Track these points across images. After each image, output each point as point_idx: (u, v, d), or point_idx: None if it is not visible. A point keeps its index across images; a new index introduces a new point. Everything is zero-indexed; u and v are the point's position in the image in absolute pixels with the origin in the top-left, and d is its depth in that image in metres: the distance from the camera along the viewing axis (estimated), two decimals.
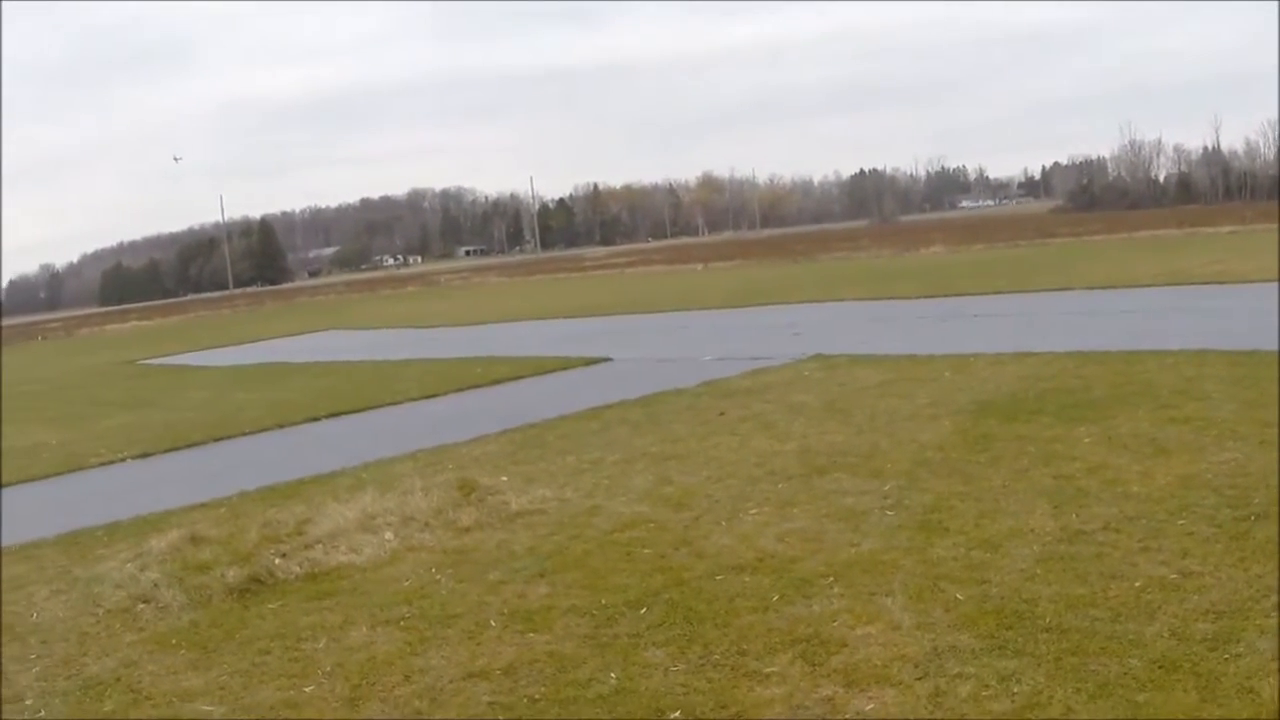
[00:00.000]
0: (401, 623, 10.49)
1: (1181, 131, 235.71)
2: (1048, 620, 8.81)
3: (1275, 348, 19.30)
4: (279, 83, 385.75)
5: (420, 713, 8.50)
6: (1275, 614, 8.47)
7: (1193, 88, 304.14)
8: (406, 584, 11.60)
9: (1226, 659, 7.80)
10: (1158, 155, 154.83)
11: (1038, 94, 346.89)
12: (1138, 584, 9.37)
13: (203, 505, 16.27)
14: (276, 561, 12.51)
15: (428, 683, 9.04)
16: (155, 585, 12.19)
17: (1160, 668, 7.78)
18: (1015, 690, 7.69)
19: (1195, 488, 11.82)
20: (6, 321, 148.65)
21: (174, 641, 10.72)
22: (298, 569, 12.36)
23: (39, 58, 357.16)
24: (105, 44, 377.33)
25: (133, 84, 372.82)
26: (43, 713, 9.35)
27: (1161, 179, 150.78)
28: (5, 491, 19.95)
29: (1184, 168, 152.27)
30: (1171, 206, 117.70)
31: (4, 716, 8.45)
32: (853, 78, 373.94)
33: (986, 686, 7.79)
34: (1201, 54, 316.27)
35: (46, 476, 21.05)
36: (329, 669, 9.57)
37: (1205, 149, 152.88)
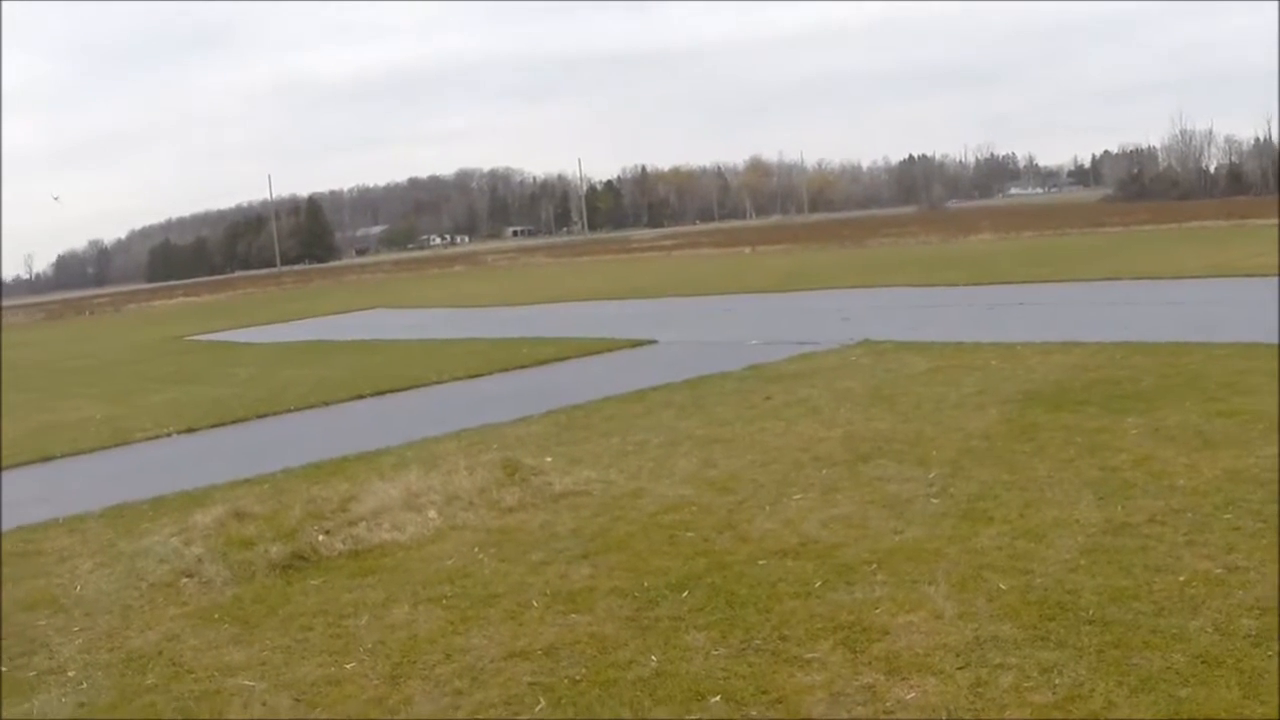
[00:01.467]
0: (444, 601, 10.51)
1: (1233, 122, 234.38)
2: (1091, 612, 8.77)
3: None
4: (331, 64, 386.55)
5: (461, 692, 8.51)
6: None
7: (1245, 78, 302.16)
8: (449, 563, 11.63)
9: (1270, 656, 7.75)
10: (1209, 145, 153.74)
11: (1089, 82, 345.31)
12: (1182, 578, 9.32)
13: (247, 481, 16.33)
14: (320, 538, 12.54)
15: (469, 662, 9.06)
16: (199, 560, 12.25)
17: (1203, 663, 7.73)
18: (1057, 682, 7.65)
19: (1242, 482, 11.74)
20: (55, 296, 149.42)
21: (216, 616, 10.77)
22: (341, 546, 12.39)
23: (92, 38, 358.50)
24: (158, 24, 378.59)
25: (185, 64, 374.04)
26: (85, 685, 9.39)
27: (1212, 169, 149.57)
28: (52, 465, 20.09)
29: (1235, 159, 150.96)
30: (1222, 198, 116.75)
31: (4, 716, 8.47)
32: (904, 64, 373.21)
33: (1028, 678, 7.76)
34: (1254, 43, 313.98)
35: (93, 450, 21.16)
36: (370, 646, 9.60)
37: (1257, 140, 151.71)
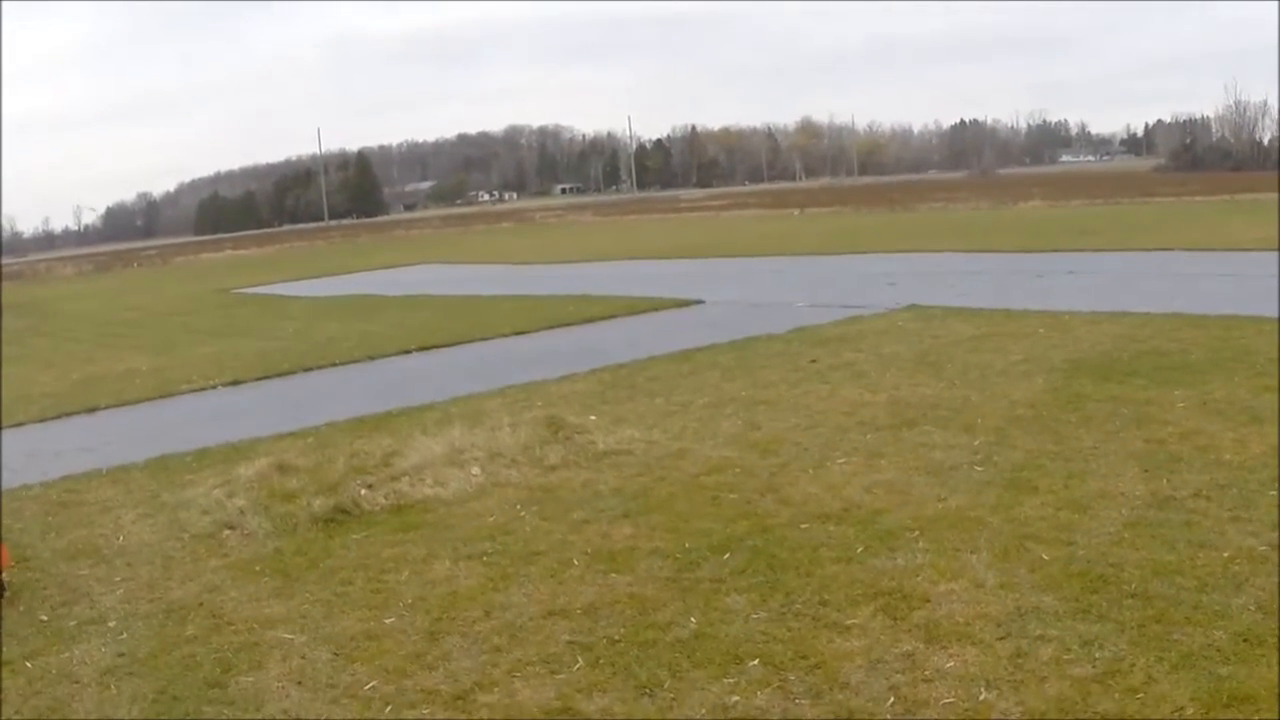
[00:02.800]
0: (484, 558, 10.54)
1: None
2: (1133, 586, 8.73)
3: None
4: (381, 20, 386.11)
5: (499, 649, 8.53)
6: None
7: None
8: (491, 519, 11.66)
9: None
10: (1263, 117, 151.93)
11: (1143, 50, 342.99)
12: (1226, 554, 9.26)
13: (291, 434, 16.40)
14: (362, 492, 12.59)
15: (508, 619, 9.08)
16: (241, 512, 12.31)
17: (1244, 641, 7.68)
18: (1097, 655, 7.62)
19: None
20: (104, 248, 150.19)
21: (257, 569, 10.82)
22: (383, 500, 12.44)
23: None
24: None
25: (236, 20, 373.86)
26: (125, 635, 9.44)
27: (1265, 141, 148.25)
28: (97, 415, 20.21)
29: None
30: (1275, 170, 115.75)
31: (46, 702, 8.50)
32: (957, 27, 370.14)
33: (1068, 650, 7.73)
34: None
35: (139, 402, 21.29)
36: (410, 601, 9.64)
37: None
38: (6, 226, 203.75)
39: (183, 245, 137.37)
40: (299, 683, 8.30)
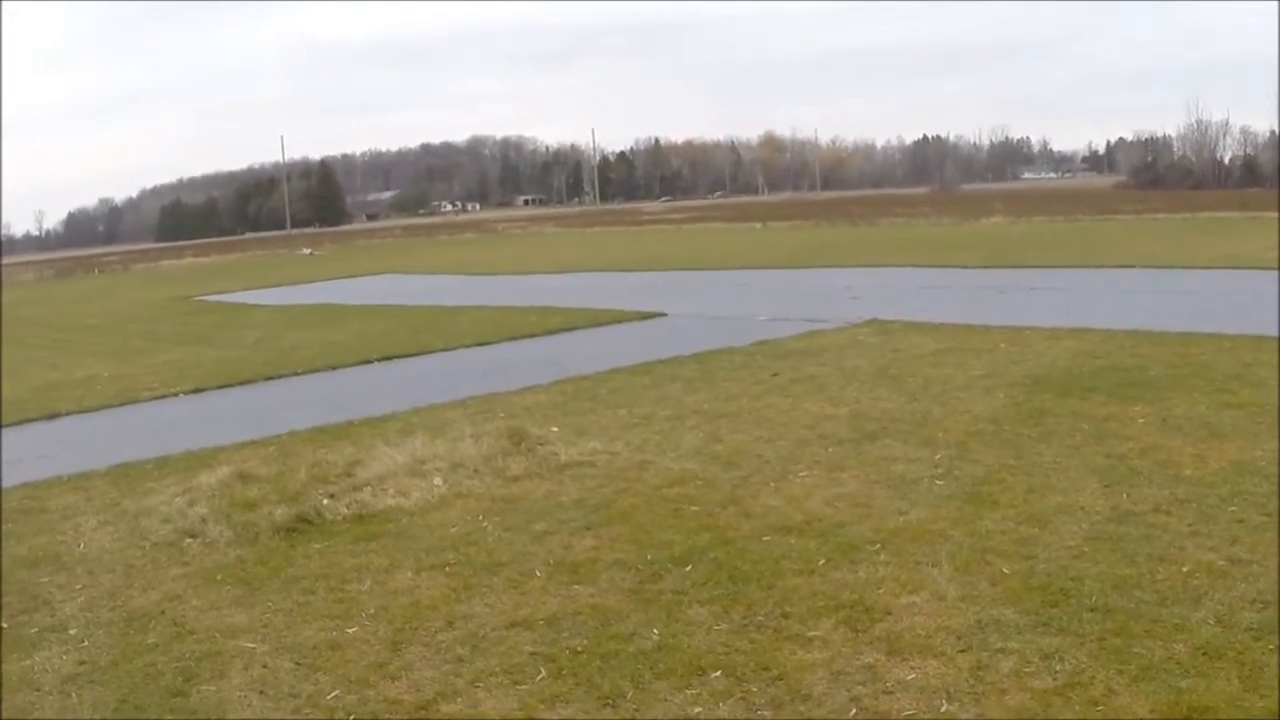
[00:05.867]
0: (447, 568, 10.54)
1: (1249, 113, 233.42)
2: (1093, 600, 8.79)
3: None
4: (346, 27, 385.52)
5: (462, 659, 8.53)
6: None
7: (1262, 68, 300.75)
8: (453, 530, 11.66)
9: (1271, 649, 7.76)
10: (1224, 136, 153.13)
11: (1104, 67, 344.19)
12: (1185, 568, 9.33)
13: (253, 443, 16.38)
14: (324, 502, 12.59)
15: (470, 629, 9.09)
16: (203, 520, 12.28)
17: (1204, 654, 7.74)
18: (1058, 669, 7.67)
19: (1248, 474, 11.75)
20: (65, 253, 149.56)
21: (219, 577, 10.80)
22: (345, 510, 12.43)
23: None
24: None
25: (200, 24, 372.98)
26: (86, 643, 9.42)
27: (1226, 160, 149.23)
28: (58, 422, 20.14)
29: (1250, 150, 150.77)
30: (1236, 189, 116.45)
31: (5, 712, 8.49)
32: (922, 43, 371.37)
33: (1029, 663, 7.78)
34: (1270, 33, 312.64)
35: (100, 409, 21.21)
36: (373, 611, 9.63)
37: (1272, 132, 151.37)
38: None
39: (144, 251, 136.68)
40: (261, 692, 8.29)
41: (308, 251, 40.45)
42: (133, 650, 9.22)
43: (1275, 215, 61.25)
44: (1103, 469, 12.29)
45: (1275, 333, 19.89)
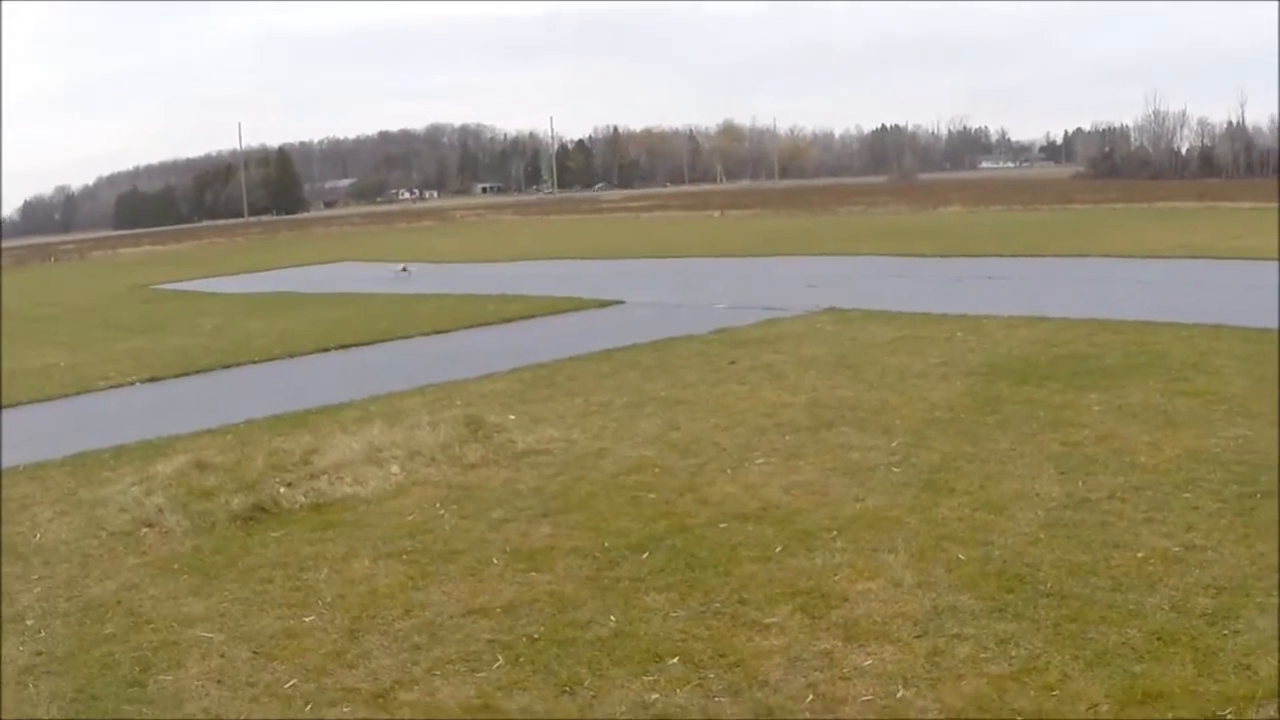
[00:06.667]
0: (404, 556, 10.53)
1: (1206, 105, 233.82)
2: (1049, 585, 8.84)
3: None
4: (306, 17, 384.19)
5: (419, 647, 8.54)
6: (1276, 593, 8.48)
7: (1219, 61, 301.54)
8: (410, 518, 11.65)
9: (1225, 635, 7.82)
10: (1181, 127, 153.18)
11: (1064, 59, 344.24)
12: (1140, 554, 9.39)
13: (210, 432, 16.31)
14: (281, 490, 12.56)
15: (428, 617, 9.08)
16: (160, 510, 12.24)
17: (1158, 639, 7.79)
18: (1013, 654, 7.71)
19: (1203, 462, 11.82)
20: (21, 242, 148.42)
21: (176, 567, 10.77)
22: (302, 499, 12.40)
23: None
24: None
25: (159, 13, 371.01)
26: (43, 633, 9.38)
27: (1184, 151, 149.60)
28: (15, 411, 20.03)
29: (1207, 141, 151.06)
30: (1193, 179, 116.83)
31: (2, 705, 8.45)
32: (881, 34, 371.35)
33: (985, 648, 7.81)
34: (1229, 26, 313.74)
35: (56, 398, 21.10)
36: (330, 600, 9.62)
37: (1230, 124, 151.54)
38: None
39: (101, 240, 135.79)
40: (219, 681, 8.27)
41: (402, 268, 39.80)
42: (90, 640, 9.18)
43: (1233, 205, 61.81)
44: (1058, 456, 12.34)
45: (1231, 321, 20.00)
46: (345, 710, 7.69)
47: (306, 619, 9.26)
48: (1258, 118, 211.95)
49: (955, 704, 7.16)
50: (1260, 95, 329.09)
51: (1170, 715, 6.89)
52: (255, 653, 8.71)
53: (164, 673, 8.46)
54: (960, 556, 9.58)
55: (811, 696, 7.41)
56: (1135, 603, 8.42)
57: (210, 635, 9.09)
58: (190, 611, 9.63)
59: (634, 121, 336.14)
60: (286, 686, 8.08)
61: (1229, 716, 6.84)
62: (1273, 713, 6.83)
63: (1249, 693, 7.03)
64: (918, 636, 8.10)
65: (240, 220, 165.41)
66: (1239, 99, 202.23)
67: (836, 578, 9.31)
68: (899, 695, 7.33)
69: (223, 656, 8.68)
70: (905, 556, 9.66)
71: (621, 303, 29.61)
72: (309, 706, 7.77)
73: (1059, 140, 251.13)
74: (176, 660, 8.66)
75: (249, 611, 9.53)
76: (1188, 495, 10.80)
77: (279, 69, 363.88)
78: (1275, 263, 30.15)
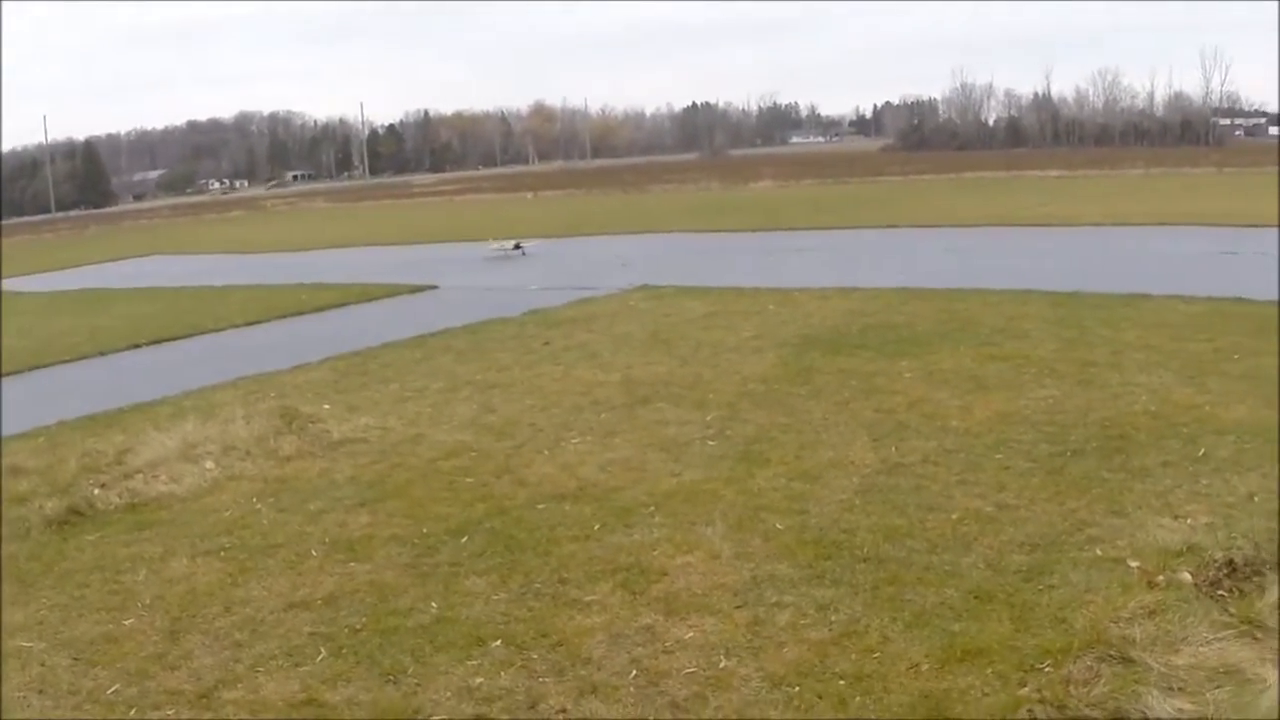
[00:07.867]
0: (222, 553, 10.42)
1: (1013, 77, 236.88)
2: (865, 550, 8.96)
3: (1096, 289, 19.72)
4: (114, 7, 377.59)
5: (241, 644, 8.45)
6: (1088, 547, 8.66)
7: (1026, 35, 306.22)
8: (227, 514, 11.53)
9: (1040, 590, 8.00)
10: (988, 99, 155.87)
11: (873, 35, 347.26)
12: (955, 516, 9.56)
13: (20, 435, 15.98)
14: (96, 492, 12.35)
15: (249, 614, 9.00)
16: None
17: (976, 598, 7.95)
18: (833, 619, 7.81)
19: (1013, 423, 12.08)
20: None
21: None
22: (117, 499, 12.21)
23: None
24: None
25: None
26: None
27: (991, 122, 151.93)
28: None
29: (1014, 112, 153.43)
30: (1000, 150, 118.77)
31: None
32: (691, 12, 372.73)
33: (804, 615, 7.90)
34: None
35: None
36: (149, 601, 9.49)
37: (1036, 95, 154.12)
38: None
39: None
40: (40, 691, 8.13)
41: (514, 244, 39.20)
42: None
43: (1040, 174, 63.09)
44: (872, 423, 12.53)
45: (1038, 287, 20.40)
46: (169, 713, 7.61)
47: (126, 622, 9.13)
48: (1063, 89, 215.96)
49: (778, 671, 7.23)
50: (1064, 66, 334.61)
51: (990, 670, 7.03)
52: (76, 659, 8.57)
53: None
54: (778, 526, 9.68)
55: (635, 672, 7.45)
56: (951, 563, 8.58)
57: (29, 644, 8.92)
58: (8, 621, 9.44)
59: (444, 104, 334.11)
60: (109, 692, 7.97)
61: (1047, 669, 7.00)
62: (1090, 663, 6.97)
63: (1065, 645, 7.19)
64: (738, 607, 8.18)
65: (48, 216, 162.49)
66: (1044, 71, 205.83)
67: (655, 553, 9.37)
68: (721, 665, 7.40)
69: (43, 665, 8.53)
70: (723, 528, 9.74)
71: (435, 287, 29.54)
72: (133, 711, 7.67)
73: (869, 114, 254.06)
74: None
75: (68, 618, 9.37)
76: (999, 456, 11.03)
77: (83, 59, 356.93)
78: (1083, 229, 30.81)
